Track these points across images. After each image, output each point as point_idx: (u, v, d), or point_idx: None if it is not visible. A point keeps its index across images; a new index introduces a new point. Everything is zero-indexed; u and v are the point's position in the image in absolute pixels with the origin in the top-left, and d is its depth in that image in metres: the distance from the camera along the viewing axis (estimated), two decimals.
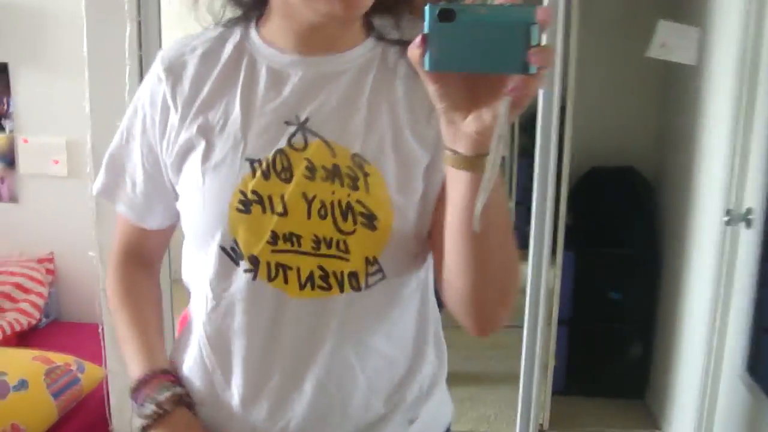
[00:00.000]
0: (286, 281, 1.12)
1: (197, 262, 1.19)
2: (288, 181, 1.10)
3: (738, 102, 2.61)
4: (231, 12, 1.21)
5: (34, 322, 2.90)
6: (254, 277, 1.12)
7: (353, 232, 1.10)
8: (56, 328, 3.08)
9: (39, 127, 3.11)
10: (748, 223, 2.52)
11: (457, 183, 0.94)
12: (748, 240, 2.59)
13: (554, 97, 2.49)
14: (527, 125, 3.22)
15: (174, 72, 1.18)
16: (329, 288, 1.12)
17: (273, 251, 1.11)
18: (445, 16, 0.80)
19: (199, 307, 1.20)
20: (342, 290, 1.12)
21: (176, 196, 1.20)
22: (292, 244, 1.11)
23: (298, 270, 1.12)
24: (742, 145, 2.60)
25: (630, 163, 3.73)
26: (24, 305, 2.89)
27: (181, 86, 1.17)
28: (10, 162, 3.13)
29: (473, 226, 0.89)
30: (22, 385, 2.35)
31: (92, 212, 2.36)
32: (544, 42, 0.80)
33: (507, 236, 1.03)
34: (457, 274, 1.05)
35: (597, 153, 3.71)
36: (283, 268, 1.12)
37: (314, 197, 1.09)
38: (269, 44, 1.16)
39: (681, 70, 3.05)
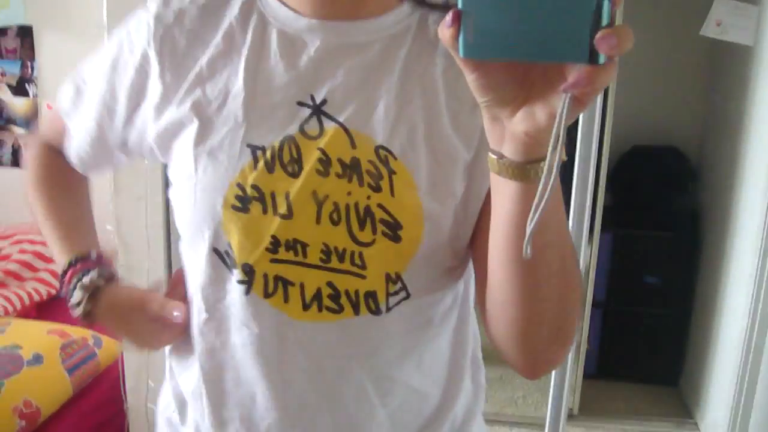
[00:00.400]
0: (286, 299, 0.93)
1: (189, 262, 1.00)
2: (296, 175, 0.90)
3: None
4: None
5: (53, 292, 2.85)
6: (247, 291, 0.93)
7: (372, 243, 0.90)
8: None
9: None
10: None
11: (503, 194, 0.74)
12: None
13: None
14: None
15: (166, 23, 0.97)
16: (340, 310, 0.93)
17: (272, 260, 0.92)
18: None
19: (193, 317, 1.02)
20: (357, 312, 0.93)
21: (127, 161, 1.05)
22: (296, 254, 0.91)
23: (302, 286, 0.92)
24: None
25: (673, 143, 3.60)
26: (44, 275, 2.85)
27: (173, 46, 0.97)
28: (34, 128, 3.07)
29: (523, 251, 0.69)
30: (37, 359, 2.29)
31: (110, 183, 2.30)
32: (616, 22, 0.59)
33: (566, 262, 0.82)
34: (503, 305, 0.85)
35: (639, 131, 3.58)
36: (284, 282, 0.92)
37: (326, 197, 0.90)
38: (284, 4, 0.96)
39: (731, 50, 2.91)
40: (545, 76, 0.64)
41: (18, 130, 3.10)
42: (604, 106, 2.61)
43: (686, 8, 2.84)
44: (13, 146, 3.12)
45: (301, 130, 0.92)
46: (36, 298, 2.76)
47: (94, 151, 1.11)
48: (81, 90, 1.10)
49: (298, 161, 0.91)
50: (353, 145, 0.91)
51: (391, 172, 0.91)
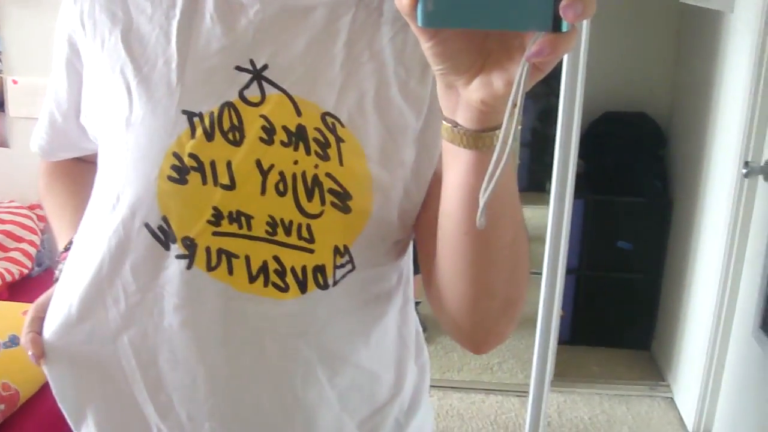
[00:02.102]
0: (230, 272, 0.88)
1: (108, 239, 0.91)
2: (238, 143, 0.86)
3: (760, 50, 2.49)
4: None
5: (26, 271, 2.81)
6: (189, 266, 0.88)
7: (320, 214, 0.87)
8: (49, 277, 2.95)
9: (29, 67, 2.98)
10: None
11: (456, 163, 0.72)
12: (766, 193, 2.51)
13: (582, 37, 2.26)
14: None
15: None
16: (286, 289, 0.89)
17: (215, 233, 0.87)
18: None
19: (109, 304, 0.93)
20: (303, 291, 0.89)
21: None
22: (240, 226, 0.87)
23: (248, 259, 0.88)
24: (762, 95, 2.50)
25: (643, 109, 3.61)
26: (15, 254, 2.80)
27: (95, 15, 0.92)
28: (1, 105, 3.01)
29: (476, 221, 0.66)
30: (12, 341, 2.26)
31: None
32: None
33: (517, 233, 0.80)
34: (453, 278, 0.83)
35: (609, 97, 3.58)
36: (228, 255, 0.88)
37: (272, 167, 0.86)
38: None
39: (701, 15, 2.92)
40: (503, 43, 0.63)
41: None
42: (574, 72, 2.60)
43: None
44: None
45: (241, 96, 0.87)
46: (8, 278, 2.71)
47: (49, 136, 1.11)
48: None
49: (239, 129, 0.86)
50: (298, 113, 0.87)
51: (339, 140, 0.87)
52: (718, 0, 2.59)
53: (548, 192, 2.49)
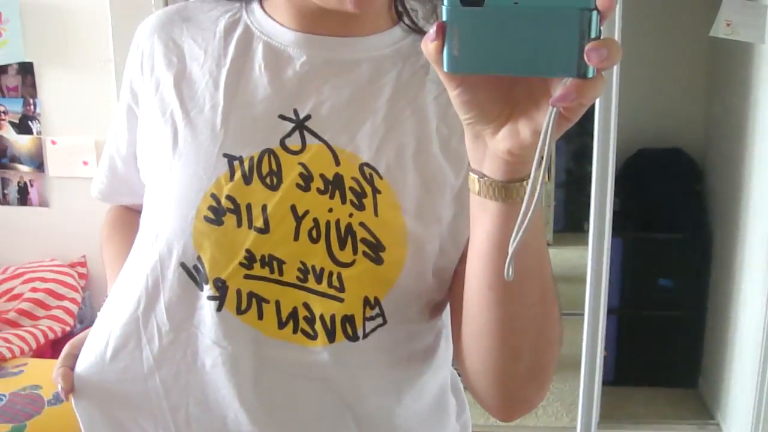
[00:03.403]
0: (260, 317, 0.88)
1: (145, 279, 0.92)
2: (274, 188, 0.87)
3: None
4: None
5: (68, 329, 2.82)
6: (219, 307, 0.88)
7: (352, 263, 0.87)
8: None
9: (67, 127, 3.03)
10: None
11: (483, 215, 0.72)
12: None
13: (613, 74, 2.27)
14: None
15: (151, 39, 0.97)
16: (314, 336, 0.89)
17: (246, 276, 0.88)
18: None
19: (144, 343, 0.93)
20: (332, 340, 0.89)
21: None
22: (272, 271, 0.87)
23: (278, 304, 0.88)
24: None
25: (678, 145, 3.59)
26: (58, 312, 2.82)
27: (154, 59, 0.96)
28: (39, 165, 3.05)
29: (504, 273, 0.66)
30: (57, 399, 2.27)
31: None
32: (603, 34, 0.58)
33: (545, 293, 0.79)
34: (479, 337, 0.82)
35: (644, 135, 3.57)
36: (258, 299, 0.88)
37: (306, 213, 0.87)
38: (272, 17, 0.94)
39: (731, 50, 2.91)
40: (530, 92, 0.63)
41: (23, 168, 3.08)
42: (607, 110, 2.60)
43: (684, 11, 2.84)
44: (18, 184, 3.10)
45: (282, 144, 0.89)
46: (51, 336, 2.73)
47: (108, 180, 1.14)
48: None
49: (277, 174, 0.88)
50: (337, 162, 0.88)
51: (376, 191, 0.88)
52: (748, 32, 2.58)
53: (586, 231, 2.48)
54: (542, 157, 0.62)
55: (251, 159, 0.88)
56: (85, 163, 3.00)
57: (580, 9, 0.57)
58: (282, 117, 0.90)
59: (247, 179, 0.88)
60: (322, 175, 0.87)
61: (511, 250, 0.66)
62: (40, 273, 2.92)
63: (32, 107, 3.01)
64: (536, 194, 0.64)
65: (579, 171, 3.55)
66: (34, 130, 3.03)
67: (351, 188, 0.87)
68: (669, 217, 3.47)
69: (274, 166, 0.88)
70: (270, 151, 0.88)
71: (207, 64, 0.94)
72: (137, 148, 1.02)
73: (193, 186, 0.88)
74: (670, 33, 3.46)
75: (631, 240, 3.39)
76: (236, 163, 0.88)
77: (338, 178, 0.87)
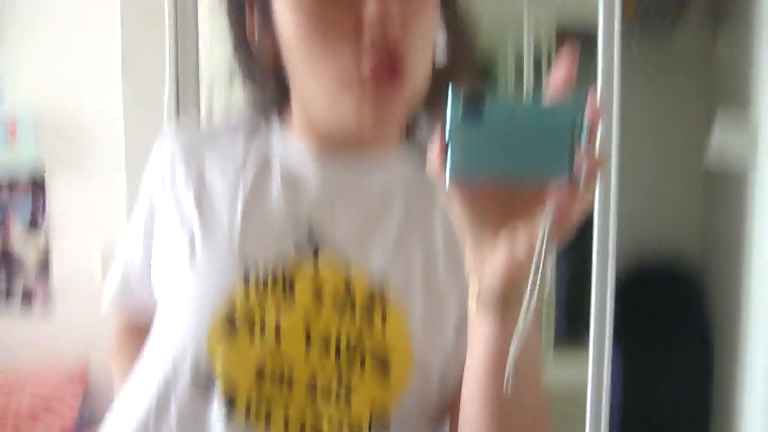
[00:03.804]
0: (269, 427, 0.90)
1: (156, 387, 0.94)
2: (288, 300, 0.90)
3: None
4: (251, 99, 1.05)
5: None
6: (230, 417, 0.90)
7: (360, 378, 0.89)
8: None
9: (74, 235, 3.08)
10: None
11: (480, 331, 0.75)
12: None
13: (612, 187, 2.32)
14: None
15: (173, 158, 1.02)
16: None
17: (257, 387, 0.90)
18: (471, 107, 0.63)
19: None
20: None
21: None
22: (282, 383, 0.90)
23: (286, 417, 0.90)
24: None
25: (677, 265, 3.63)
26: (55, 420, 2.81)
27: (175, 174, 1.01)
28: (44, 272, 3.08)
29: (503, 387, 0.69)
30: None
31: None
32: (594, 142, 0.63)
33: (538, 415, 0.81)
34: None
35: (642, 254, 3.61)
36: (267, 411, 0.90)
37: (317, 328, 0.90)
38: (289, 136, 1.00)
39: (726, 172, 2.98)
40: (526, 206, 0.67)
41: (29, 275, 3.11)
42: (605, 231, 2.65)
43: (681, 134, 2.92)
44: (23, 291, 3.13)
45: (296, 261, 0.93)
46: None
47: (121, 291, 1.17)
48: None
49: (290, 287, 0.91)
50: (348, 280, 0.92)
51: (385, 308, 0.91)
52: (739, 160, 2.66)
53: (586, 344, 2.48)
54: (537, 271, 0.65)
55: (266, 274, 0.92)
56: (91, 273, 3.03)
57: (570, 120, 0.62)
58: (297, 234, 0.94)
59: (261, 293, 0.91)
60: (334, 290, 0.91)
61: (509, 365, 0.68)
62: (41, 380, 2.91)
63: (41, 215, 3.06)
64: (531, 309, 0.67)
65: (578, 287, 3.57)
66: (42, 238, 3.08)
67: (362, 306, 0.91)
68: (670, 336, 3.47)
69: (288, 282, 0.91)
70: (284, 264, 0.92)
71: (226, 181, 0.99)
72: (152, 261, 1.05)
73: (209, 296, 0.91)
74: (665, 157, 3.54)
75: (630, 360, 3.38)
76: (252, 277, 0.91)
77: (349, 294, 0.91)
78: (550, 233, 0.64)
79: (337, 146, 0.98)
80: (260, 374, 0.90)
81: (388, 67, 0.87)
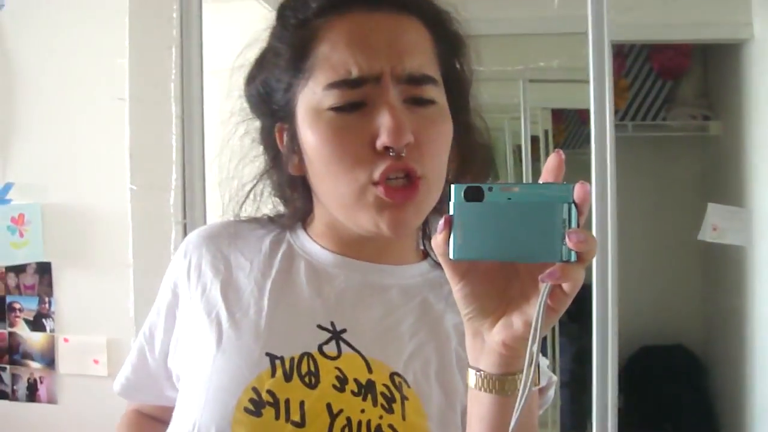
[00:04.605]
0: None
1: None
2: (312, 387, 0.95)
3: None
4: (276, 210, 1.14)
5: None
6: None
7: None
8: None
9: (80, 326, 3.09)
10: None
11: (480, 406, 0.80)
12: None
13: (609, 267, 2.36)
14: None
15: (200, 249, 1.09)
16: None
17: None
18: (472, 195, 0.70)
19: None
20: None
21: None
22: None
23: None
24: None
25: (679, 340, 3.65)
26: None
27: (201, 267, 1.07)
28: (50, 362, 3.10)
29: None
30: None
31: None
32: (583, 223, 0.70)
33: None
34: None
35: (645, 332, 3.63)
36: None
37: (340, 411, 0.94)
38: (314, 240, 1.07)
39: (724, 248, 3.02)
40: (522, 289, 0.73)
41: (34, 365, 3.12)
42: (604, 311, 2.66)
43: (676, 211, 2.97)
44: (28, 381, 3.13)
45: (320, 350, 0.99)
46: None
47: (135, 375, 1.20)
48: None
49: (315, 375, 0.97)
50: (369, 370, 0.98)
51: (404, 398, 0.96)
52: (734, 235, 2.71)
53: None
54: (533, 350, 0.71)
55: (292, 360, 0.97)
56: (96, 362, 3.04)
57: (560, 203, 0.69)
58: (320, 327, 1.00)
59: (287, 377, 0.96)
60: (356, 380, 0.96)
61: None
62: None
63: (47, 306, 3.09)
64: (528, 386, 0.72)
65: (581, 372, 3.56)
66: (48, 328, 3.10)
67: (382, 393, 0.96)
68: (674, 412, 3.46)
69: (312, 368, 0.97)
70: (309, 355, 0.98)
71: (253, 274, 1.05)
72: (173, 345, 1.10)
73: (235, 378, 0.96)
74: (665, 235, 3.58)
75: None
76: (278, 362, 0.97)
77: (370, 383, 0.96)
78: (544, 317, 0.70)
79: (359, 253, 1.05)
80: None
81: (403, 175, 0.95)
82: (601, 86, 2.21)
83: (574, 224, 0.69)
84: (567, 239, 0.68)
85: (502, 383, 0.77)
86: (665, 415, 3.45)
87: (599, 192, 2.22)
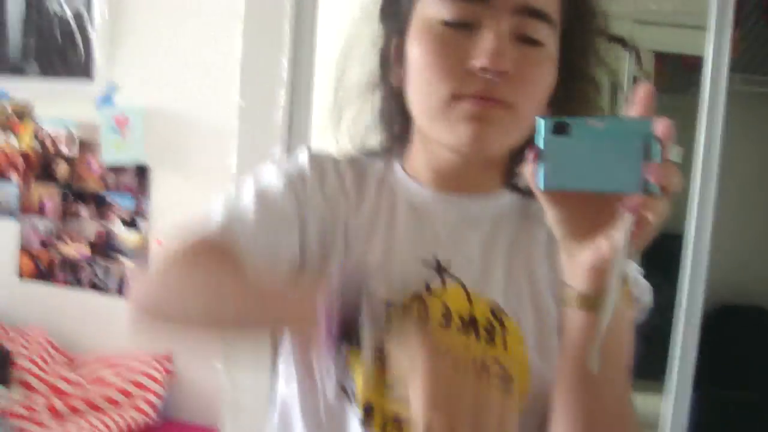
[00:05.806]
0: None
1: (301, 401, 1.05)
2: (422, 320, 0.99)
3: None
4: (375, 138, 1.15)
5: (150, 422, 2.91)
6: (367, 428, 0.99)
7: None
8: (172, 428, 3.04)
9: (173, 230, 3.17)
10: None
11: (571, 325, 0.85)
12: None
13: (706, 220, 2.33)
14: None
15: (332, 171, 1.09)
16: None
17: (390, 401, 0.94)
18: (559, 129, 0.74)
19: None
20: None
21: None
22: None
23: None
24: None
25: (761, 303, 3.58)
26: (140, 403, 2.90)
27: (330, 185, 1.08)
28: (142, 262, 3.21)
29: (588, 365, 0.81)
30: None
31: None
32: (671, 157, 0.73)
33: (624, 409, 0.91)
34: (560, 422, 0.92)
35: (727, 291, 3.57)
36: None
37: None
38: (411, 178, 1.10)
39: None
40: (608, 210, 0.77)
41: (126, 262, 3.24)
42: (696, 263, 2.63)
43: None
44: (120, 278, 3.26)
45: (428, 289, 1.02)
46: (132, 425, 2.81)
47: (258, 212, 1.05)
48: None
49: (425, 312, 1.00)
50: (471, 303, 1.02)
51: (504, 329, 1.00)
52: None
53: (663, 382, 2.48)
54: (619, 270, 0.77)
55: (403, 305, 1.00)
56: None
57: (643, 136, 0.72)
58: (425, 262, 1.04)
59: (398, 314, 0.98)
60: (460, 316, 1.00)
61: (591, 357, 0.80)
62: (128, 363, 3.03)
63: (143, 207, 3.19)
64: (610, 305, 0.78)
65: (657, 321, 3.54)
66: (142, 229, 3.21)
67: (484, 327, 1.00)
68: (751, 376, 3.42)
69: (421, 312, 1.00)
70: (418, 297, 1.01)
71: (365, 221, 1.07)
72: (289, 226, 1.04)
73: None
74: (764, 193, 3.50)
75: (707, 398, 3.34)
76: (391, 309, 0.99)
77: (473, 319, 1.00)
78: (630, 237, 0.74)
79: (453, 185, 1.08)
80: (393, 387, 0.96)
81: (492, 94, 0.96)
82: (720, 35, 2.15)
83: (656, 158, 0.72)
84: (649, 172, 0.71)
85: (592, 301, 0.81)
86: (739, 376, 3.41)
87: (707, 145, 2.18)
